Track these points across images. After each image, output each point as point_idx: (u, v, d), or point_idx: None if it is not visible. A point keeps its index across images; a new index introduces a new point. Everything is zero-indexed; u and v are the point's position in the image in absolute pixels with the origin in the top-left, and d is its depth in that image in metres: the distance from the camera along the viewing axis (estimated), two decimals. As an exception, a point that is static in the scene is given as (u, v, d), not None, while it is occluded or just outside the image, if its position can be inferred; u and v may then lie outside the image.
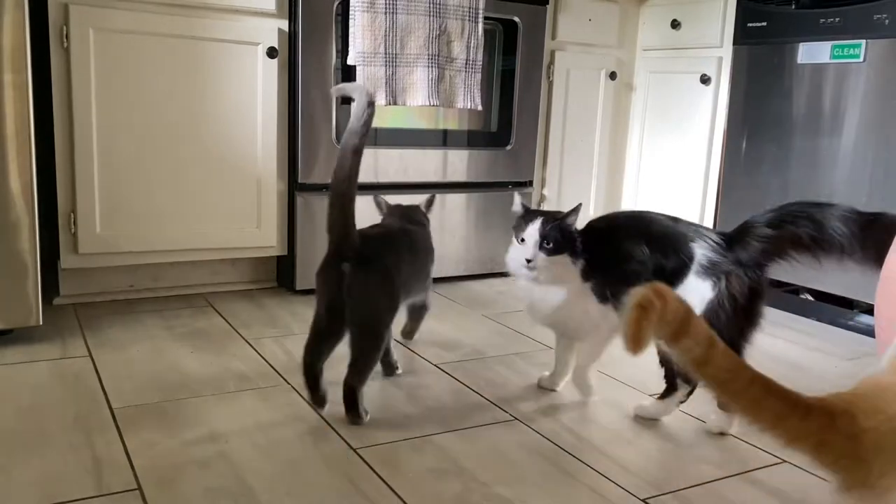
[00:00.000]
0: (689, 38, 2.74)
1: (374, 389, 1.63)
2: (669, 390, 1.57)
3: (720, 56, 2.62)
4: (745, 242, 1.44)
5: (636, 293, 0.74)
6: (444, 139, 2.54)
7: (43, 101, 1.99)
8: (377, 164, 2.40)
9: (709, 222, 2.65)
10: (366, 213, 1.70)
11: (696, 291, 1.44)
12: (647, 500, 1.25)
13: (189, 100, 2.14)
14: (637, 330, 0.73)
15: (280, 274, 2.45)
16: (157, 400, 1.55)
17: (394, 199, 1.86)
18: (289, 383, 1.66)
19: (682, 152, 2.78)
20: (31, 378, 1.63)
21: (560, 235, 1.51)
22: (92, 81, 2.01)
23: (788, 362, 1.97)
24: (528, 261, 1.50)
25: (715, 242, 1.46)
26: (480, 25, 2.39)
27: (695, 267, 1.46)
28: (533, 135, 2.68)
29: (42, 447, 1.33)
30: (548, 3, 2.63)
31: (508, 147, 2.64)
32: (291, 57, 2.26)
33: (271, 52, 2.21)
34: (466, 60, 2.39)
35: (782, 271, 1.49)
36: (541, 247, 1.50)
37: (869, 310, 2.22)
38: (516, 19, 2.57)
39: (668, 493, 1.28)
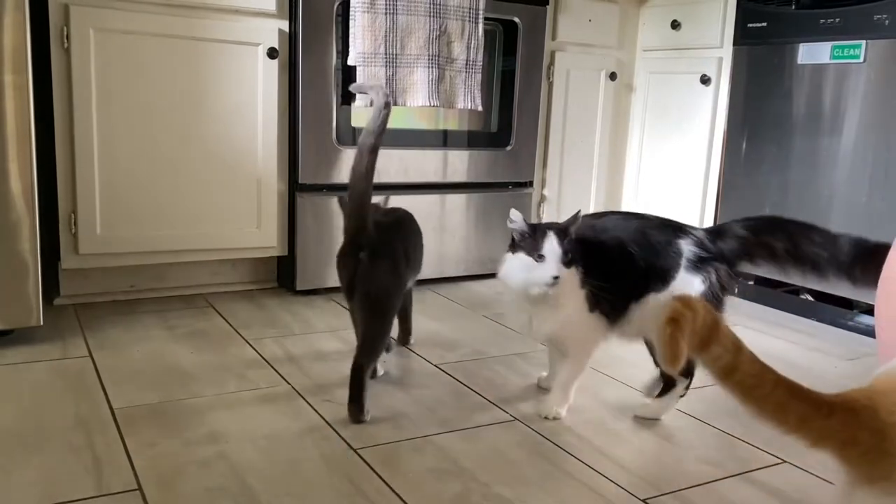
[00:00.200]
0: (689, 38, 2.74)
1: (374, 390, 1.63)
2: (668, 387, 1.57)
3: (720, 56, 2.62)
4: (724, 239, 1.52)
5: (667, 307, 0.74)
6: (444, 140, 2.54)
7: (43, 101, 1.99)
8: (377, 165, 2.39)
9: (709, 222, 2.65)
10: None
11: (689, 285, 1.48)
12: (646, 500, 1.25)
13: (190, 100, 2.14)
14: (675, 347, 0.74)
15: (280, 274, 2.45)
16: (158, 400, 1.55)
17: (394, 199, 1.86)
18: (289, 383, 1.66)
19: (683, 153, 2.78)
20: (31, 378, 1.63)
21: (572, 247, 1.48)
22: (92, 82, 2.01)
23: (788, 362, 1.97)
24: (555, 277, 1.43)
25: (699, 237, 1.52)
26: (481, 26, 2.39)
27: (684, 262, 1.50)
28: (533, 135, 2.68)
29: (42, 447, 1.33)
30: (548, 4, 2.63)
31: (508, 147, 2.64)
32: (292, 57, 2.26)
33: (272, 53, 2.21)
34: (467, 61, 2.39)
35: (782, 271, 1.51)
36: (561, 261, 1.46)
37: (869, 310, 2.22)
38: (516, 20, 2.57)
39: (668, 493, 1.28)
